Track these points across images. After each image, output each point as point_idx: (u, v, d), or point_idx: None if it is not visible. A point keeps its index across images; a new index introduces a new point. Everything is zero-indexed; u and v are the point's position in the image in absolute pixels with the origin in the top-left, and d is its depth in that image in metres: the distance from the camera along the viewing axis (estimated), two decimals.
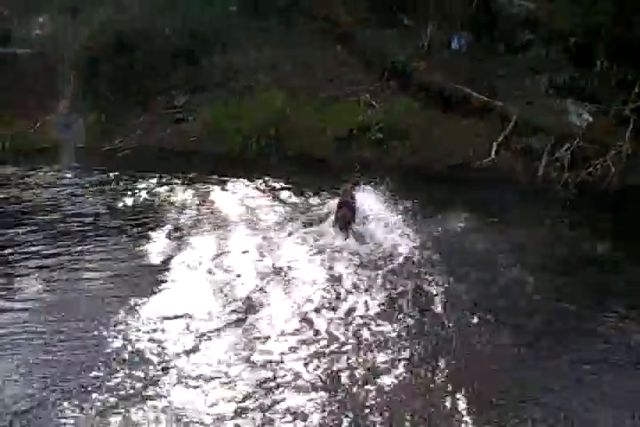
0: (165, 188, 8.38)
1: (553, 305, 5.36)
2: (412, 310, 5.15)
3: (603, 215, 7.79)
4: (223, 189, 8.33)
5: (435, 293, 5.45)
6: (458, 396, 3.99)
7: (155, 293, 5.24)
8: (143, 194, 8.12)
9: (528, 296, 5.46)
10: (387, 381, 4.16)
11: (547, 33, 10.88)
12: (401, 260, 6.07)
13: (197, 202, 7.80)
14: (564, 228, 7.59)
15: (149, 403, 3.83)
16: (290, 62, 11.95)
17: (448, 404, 3.94)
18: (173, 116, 11.06)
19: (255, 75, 11.77)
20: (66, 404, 3.80)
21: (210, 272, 5.72)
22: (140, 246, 6.28)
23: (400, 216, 7.10)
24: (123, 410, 3.74)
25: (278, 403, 3.90)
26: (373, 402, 3.96)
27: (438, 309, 5.19)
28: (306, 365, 4.28)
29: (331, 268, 5.86)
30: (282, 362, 4.31)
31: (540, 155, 9.40)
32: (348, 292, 5.39)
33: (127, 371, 4.15)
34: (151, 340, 4.54)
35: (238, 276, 5.65)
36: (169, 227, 6.87)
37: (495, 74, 11.11)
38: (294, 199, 7.99)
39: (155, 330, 4.67)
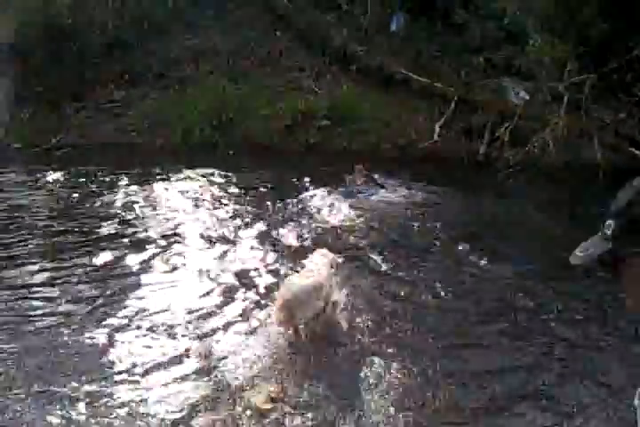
0: (108, 185, 8.16)
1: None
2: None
3: (539, 190, 8.23)
4: (169, 185, 8.18)
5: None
6: None
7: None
8: (84, 195, 7.82)
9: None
10: None
11: (483, 12, 11.02)
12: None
13: (143, 201, 7.61)
14: (502, 200, 7.94)
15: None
16: (230, 49, 11.82)
17: None
18: (113, 111, 10.82)
19: (195, 63, 11.62)
20: None
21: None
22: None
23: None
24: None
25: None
26: None
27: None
28: None
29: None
30: None
31: (481, 134, 9.64)
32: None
33: None
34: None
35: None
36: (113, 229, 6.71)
37: (433, 54, 11.26)
38: (240, 192, 7.95)
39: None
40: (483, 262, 5.81)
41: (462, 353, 4.37)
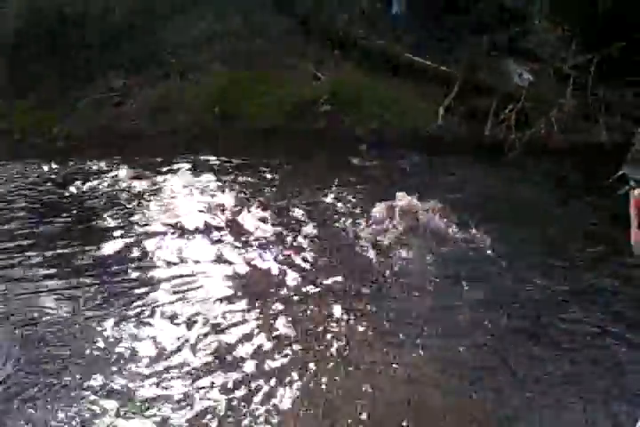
0: (110, 175, 8.11)
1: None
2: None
3: (545, 171, 8.14)
4: (172, 173, 8.12)
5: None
6: None
7: None
8: (91, 188, 7.78)
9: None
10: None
11: None
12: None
13: (146, 191, 7.55)
14: (508, 183, 7.84)
15: None
16: (231, 35, 11.69)
17: None
18: (113, 99, 10.71)
19: (196, 50, 11.50)
20: None
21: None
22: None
23: None
24: None
25: None
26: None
27: None
28: None
29: None
30: None
31: (486, 117, 9.51)
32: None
33: None
34: None
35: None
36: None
37: (436, 37, 11.09)
38: (244, 179, 7.87)
39: None
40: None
41: None
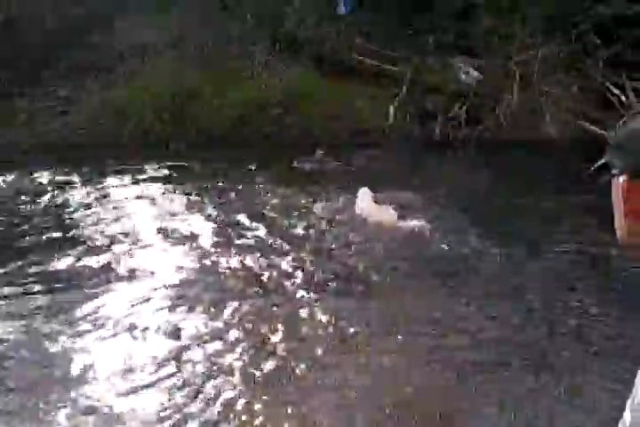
0: (59, 186, 7.84)
1: None
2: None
3: (496, 165, 8.28)
4: (122, 182, 7.93)
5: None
6: None
7: None
8: (33, 197, 7.51)
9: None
10: None
11: None
12: None
13: (95, 201, 7.34)
14: (463, 176, 7.99)
15: None
16: (177, 40, 11.52)
17: None
18: (57, 108, 10.40)
19: (140, 56, 11.28)
20: None
21: None
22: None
23: None
24: None
25: None
26: None
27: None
28: None
29: None
30: None
31: (435, 115, 9.62)
32: None
33: None
34: None
35: None
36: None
37: (383, 37, 11.17)
38: (195, 185, 7.75)
39: None
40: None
41: None
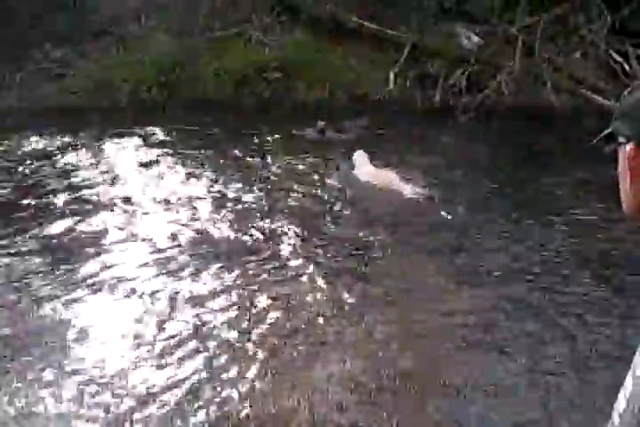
0: (54, 150, 7.75)
1: None
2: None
3: (497, 134, 8.30)
4: (119, 147, 7.83)
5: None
6: None
7: None
8: (29, 161, 7.40)
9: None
10: None
11: None
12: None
13: (93, 166, 7.27)
14: (464, 145, 7.92)
15: None
16: (173, 3, 11.29)
17: None
18: (52, 71, 10.23)
19: (137, 19, 11.07)
20: None
21: None
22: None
23: None
24: None
25: None
26: None
27: None
28: None
29: None
30: None
31: (436, 81, 9.50)
32: None
33: None
34: None
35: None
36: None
37: (384, 0, 10.95)
38: (193, 151, 7.67)
39: None
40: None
41: None
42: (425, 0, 10.49)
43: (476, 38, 10.14)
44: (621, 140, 1.01)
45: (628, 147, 0.99)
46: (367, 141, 7.67)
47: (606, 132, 1.06)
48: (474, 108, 8.49)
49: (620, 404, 0.99)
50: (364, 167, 6.30)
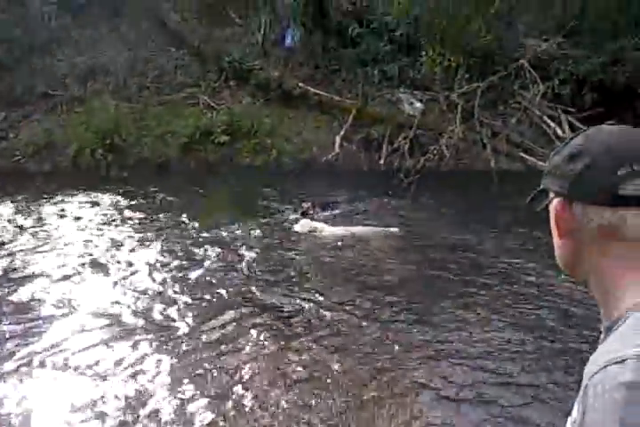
0: None
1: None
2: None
3: (439, 194, 8.42)
4: (60, 211, 7.66)
5: None
6: None
7: None
8: None
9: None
10: None
11: (376, 25, 11.21)
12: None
13: (33, 230, 7.06)
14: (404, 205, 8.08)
15: None
16: (122, 67, 11.39)
17: None
18: None
19: (83, 82, 11.10)
20: None
21: None
22: None
23: None
24: None
25: None
26: None
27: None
28: None
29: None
30: None
31: (380, 145, 9.76)
32: None
33: None
34: None
35: None
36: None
37: (329, 68, 11.32)
38: (135, 215, 7.56)
39: None
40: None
41: None
42: (369, 68, 10.92)
43: (418, 104, 10.52)
44: (551, 195, 1.07)
45: (555, 201, 1.05)
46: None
47: (538, 189, 1.13)
48: (417, 171, 8.68)
49: None
50: (302, 222, 6.90)
